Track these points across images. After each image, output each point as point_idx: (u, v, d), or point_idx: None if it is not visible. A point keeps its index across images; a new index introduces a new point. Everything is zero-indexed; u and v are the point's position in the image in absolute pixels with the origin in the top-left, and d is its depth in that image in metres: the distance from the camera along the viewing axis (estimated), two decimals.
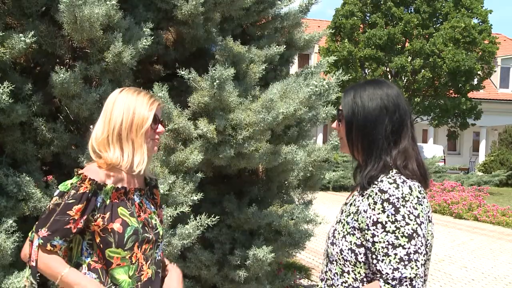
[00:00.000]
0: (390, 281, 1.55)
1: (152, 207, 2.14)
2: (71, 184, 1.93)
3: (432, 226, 1.74)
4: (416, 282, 1.54)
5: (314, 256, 8.18)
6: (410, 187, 1.64)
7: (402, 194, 1.62)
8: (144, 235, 2.00)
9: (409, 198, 1.62)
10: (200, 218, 3.77)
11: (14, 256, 3.10)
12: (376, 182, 1.68)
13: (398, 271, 1.55)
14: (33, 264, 1.87)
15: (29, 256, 1.89)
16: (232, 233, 4.34)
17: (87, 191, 1.91)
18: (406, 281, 1.54)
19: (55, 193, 1.94)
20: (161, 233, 2.12)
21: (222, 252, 4.24)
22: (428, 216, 1.70)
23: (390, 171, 1.70)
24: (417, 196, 1.64)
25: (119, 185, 1.99)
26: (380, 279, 1.58)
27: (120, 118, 1.98)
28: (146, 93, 2.06)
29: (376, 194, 1.64)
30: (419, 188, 1.68)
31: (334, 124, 1.90)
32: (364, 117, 1.75)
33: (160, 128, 2.07)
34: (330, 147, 5.12)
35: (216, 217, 3.84)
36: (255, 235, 4.37)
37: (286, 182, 5.00)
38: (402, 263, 1.55)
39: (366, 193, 1.69)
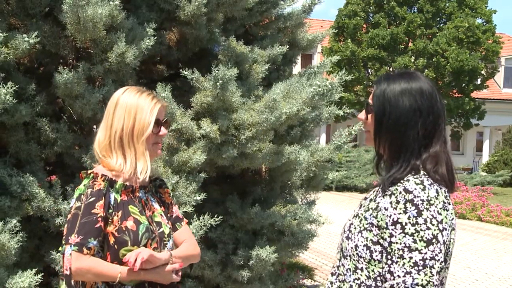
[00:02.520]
0: None
1: (157, 205, 2.14)
2: (84, 185, 1.93)
3: (455, 234, 1.66)
4: None
5: (317, 256, 8.18)
6: (437, 191, 1.58)
7: (427, 196, 1.55)
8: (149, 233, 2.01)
9: (435, 202, 1.55)
10: (203, 218, 3.77)
11: (18, 256, 3.12)
12: (402, 181, 1.60)
13: (410, 276, 1.48)
14: (67, 272, 1.84)
15: (63, 266, 1.86)
16: (235, 233, 4.34)
17: (102, 187, 1.91)
18: None
19: (72, 202, 1.93)
20: (166, 231, 2.09)
21: (225, 252, 4.24)
22: (453, 224, 1.63)
23: (418, 173, 1.63)
24: (443, 201, 1.58)
25: (127, 183, 2.00)
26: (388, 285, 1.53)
27: (121, 124, 1.97)
28: (148, 95, 2.04)
29: (400, 193, 1.57)
30: (445, 193, 1.62)
31: (362, 115, 1.78)
32: (396, 119, 1.64)
33: (162, 130, 2.05)
34: (333, 147, 5.12)
35: (219, 217, 3.84)
36: (258, 235, 4.37)
37: (289, 182, 5.00)
38: (416, 267, 1.49)
39: (389, 191, 1.61)
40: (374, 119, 1.70)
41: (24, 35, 3.11)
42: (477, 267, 7.99)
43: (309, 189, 5.30)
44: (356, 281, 1.66)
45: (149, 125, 1.98)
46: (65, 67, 3.30)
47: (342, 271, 1.73)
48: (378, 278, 1.61)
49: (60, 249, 1.90)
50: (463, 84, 23.36)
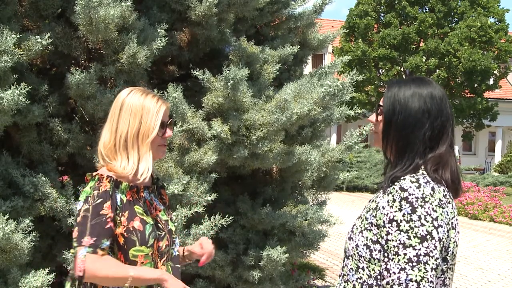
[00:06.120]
0: (396, 286, 1.52)
1: (161, 204, 2.16)
2: (91, 187, 1.93)
3: (456, 234, 1.66)
4: (423, 285, 1.49)
5: (328, 257, 8.15)
6: (433, 188, 1.60)
7: (422, 194, 1.57)
8: (157, 232, 2.02)
9: (430, 199, 1.57)
10: (214, 218, 3.78)
11: (30, 255, 3.14)
12: (399, 180, 1.64)
13: (404, 272, 1.51)
14: (80, 274, 1.83)
15: (75, 267, 1.85)
16: (246, 233, 4.34)
17: (108, 188, 1.92)
18: (412, 285, 1.49)
19: (79, 204, 1.93)
20: (173, 229, 2.14)
21: (236, 253, 4.25)
22: (452, 223, 1.63)
23: (417, 172, 1.66)
24: (439, 199, 1.59)
25: (132, 184, 2.00)
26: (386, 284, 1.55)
27: (126, 128, 1.97)
28: (153, 96, 2.03)
29: (396, 191, 1.60)
30: (444, 192, 1.63)
31: (372, 117, 1.82)
32: (404, 118, 1.68)
33: (168, 132, 2.06)
34: (344, 147, 5.11)
35: (230, 218, 3.84)
36: (269, 235, 4.37)
37: (300, 183, 4.99)
38: (410, 263, 1.51)
39: (388, 190, 1.65)
40: (384, 119, 1.74)
41: (37, 36, 3.14)
42: (490, 268, 7.92)
43: (320, 190, 5.29)
44: (358, 280, 1.69)
45: (154, 128, 1.99)
46: (77, 68, 3.32)
47: (345, 271, 1.77)
48: (379, 277, 1.63)
49: (72, 251, 1.89)
50: (475, 84, 23.19)
